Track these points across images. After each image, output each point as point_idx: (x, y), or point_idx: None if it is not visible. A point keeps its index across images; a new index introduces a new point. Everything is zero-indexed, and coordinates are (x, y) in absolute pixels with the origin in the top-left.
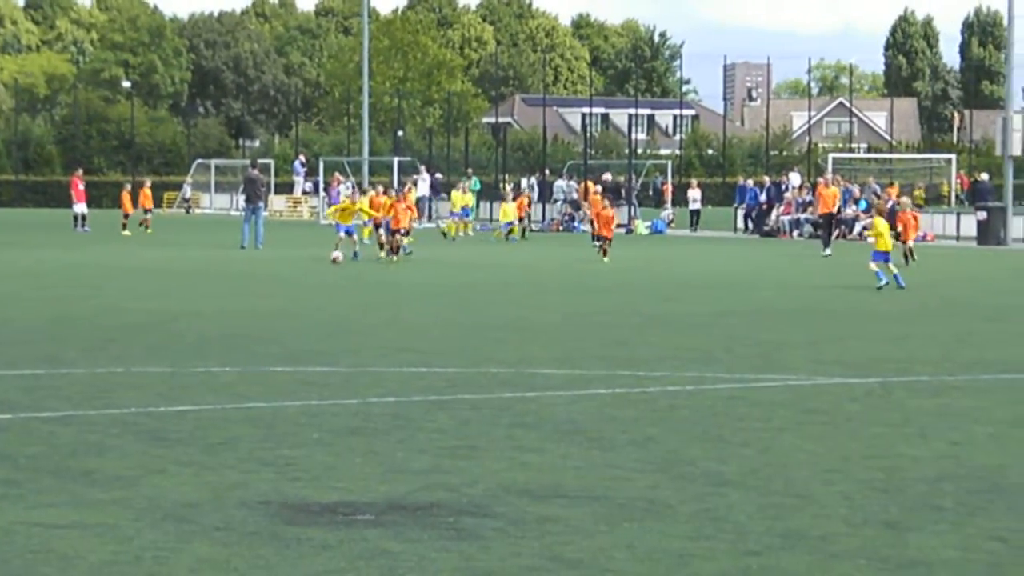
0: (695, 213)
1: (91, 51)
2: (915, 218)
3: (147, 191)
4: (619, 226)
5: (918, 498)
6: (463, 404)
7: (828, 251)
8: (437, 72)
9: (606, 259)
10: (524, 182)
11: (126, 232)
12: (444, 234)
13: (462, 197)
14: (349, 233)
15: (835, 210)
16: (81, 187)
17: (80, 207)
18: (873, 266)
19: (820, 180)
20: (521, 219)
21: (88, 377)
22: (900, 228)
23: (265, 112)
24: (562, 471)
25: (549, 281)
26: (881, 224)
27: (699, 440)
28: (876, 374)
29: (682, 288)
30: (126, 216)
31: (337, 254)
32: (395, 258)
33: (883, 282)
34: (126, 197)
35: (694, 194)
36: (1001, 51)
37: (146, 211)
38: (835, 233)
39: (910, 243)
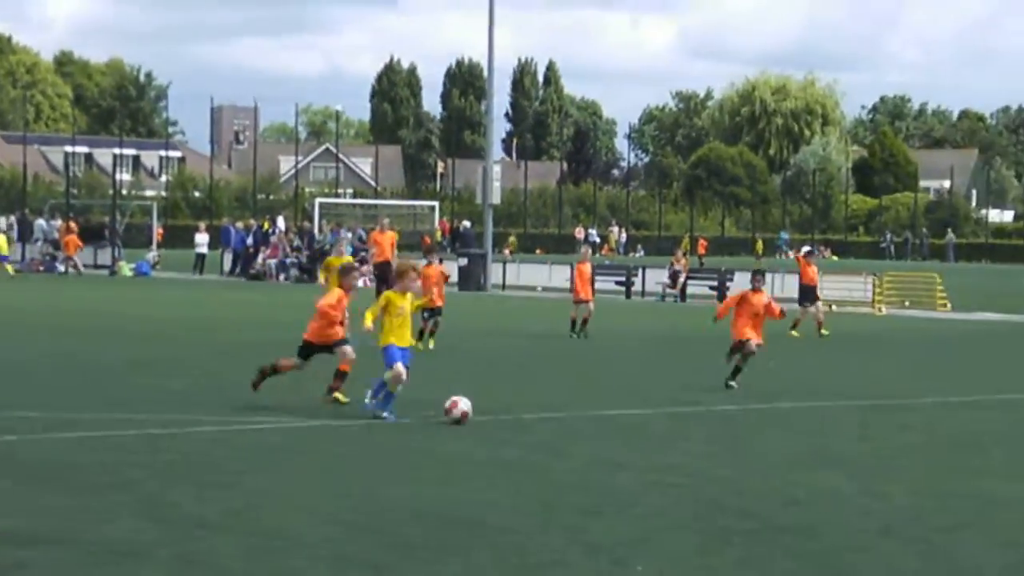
0: (201, 257)
1: None
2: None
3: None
4: (102, 267)
5: (398, 538)
6: None
7: None
8: None
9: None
10: (3, 221)
11: None
12: None
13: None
14: None
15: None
16: None
17: None
18: None
19: (376, 228)
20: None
21: None
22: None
23: None
24: (39, 515)
25: (33, 322)
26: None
27: (180, 483)
28: (364, 417)
29: (169, 330)
30: None
31: None
32: None
33: None
34: None
35: (201, 238)
36: (481, 102)
37: None
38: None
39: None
